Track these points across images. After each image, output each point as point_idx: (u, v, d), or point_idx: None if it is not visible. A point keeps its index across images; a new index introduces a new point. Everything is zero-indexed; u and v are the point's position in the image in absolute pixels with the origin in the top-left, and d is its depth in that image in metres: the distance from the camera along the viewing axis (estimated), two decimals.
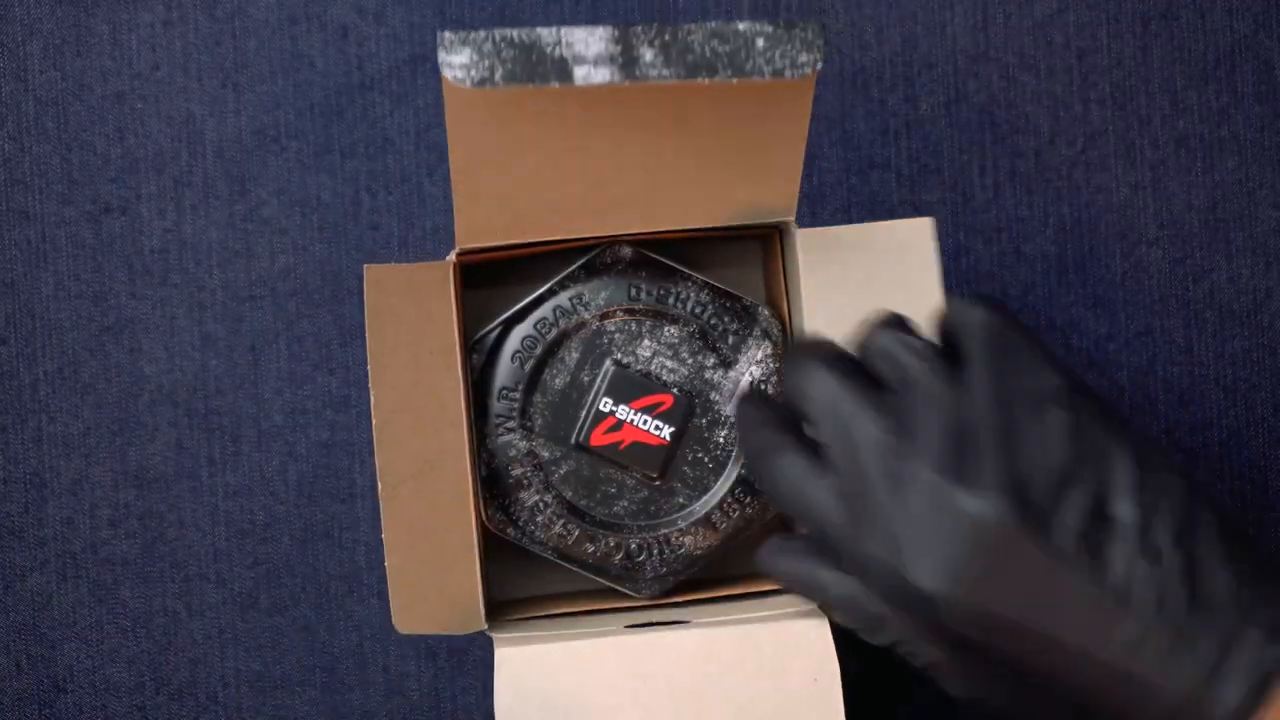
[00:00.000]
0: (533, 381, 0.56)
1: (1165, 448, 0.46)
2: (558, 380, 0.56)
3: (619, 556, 0.56)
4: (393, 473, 0.52)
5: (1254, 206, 0.64)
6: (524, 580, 0.59)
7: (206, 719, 0.62)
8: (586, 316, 0.55)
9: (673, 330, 0.56)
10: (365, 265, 0.52)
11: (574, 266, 0.56)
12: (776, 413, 0.50)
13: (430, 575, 0.52)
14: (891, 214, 0.64)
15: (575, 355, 0.56)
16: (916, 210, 0.64)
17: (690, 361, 0.56)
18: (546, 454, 0.56)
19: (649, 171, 0.50)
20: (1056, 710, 0.45)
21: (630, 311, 0.56)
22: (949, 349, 0.47)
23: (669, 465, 0.56)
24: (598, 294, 0.55)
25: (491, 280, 0.57)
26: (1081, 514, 0.44)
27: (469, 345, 0.56)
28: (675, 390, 0.56)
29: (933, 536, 0.44)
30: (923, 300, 0.52)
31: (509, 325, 0.56)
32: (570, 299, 0.55)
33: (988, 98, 0.64)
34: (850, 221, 0.64)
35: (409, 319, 0.52)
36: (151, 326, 0.62)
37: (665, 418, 0.55)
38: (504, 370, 0.56)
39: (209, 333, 0.63)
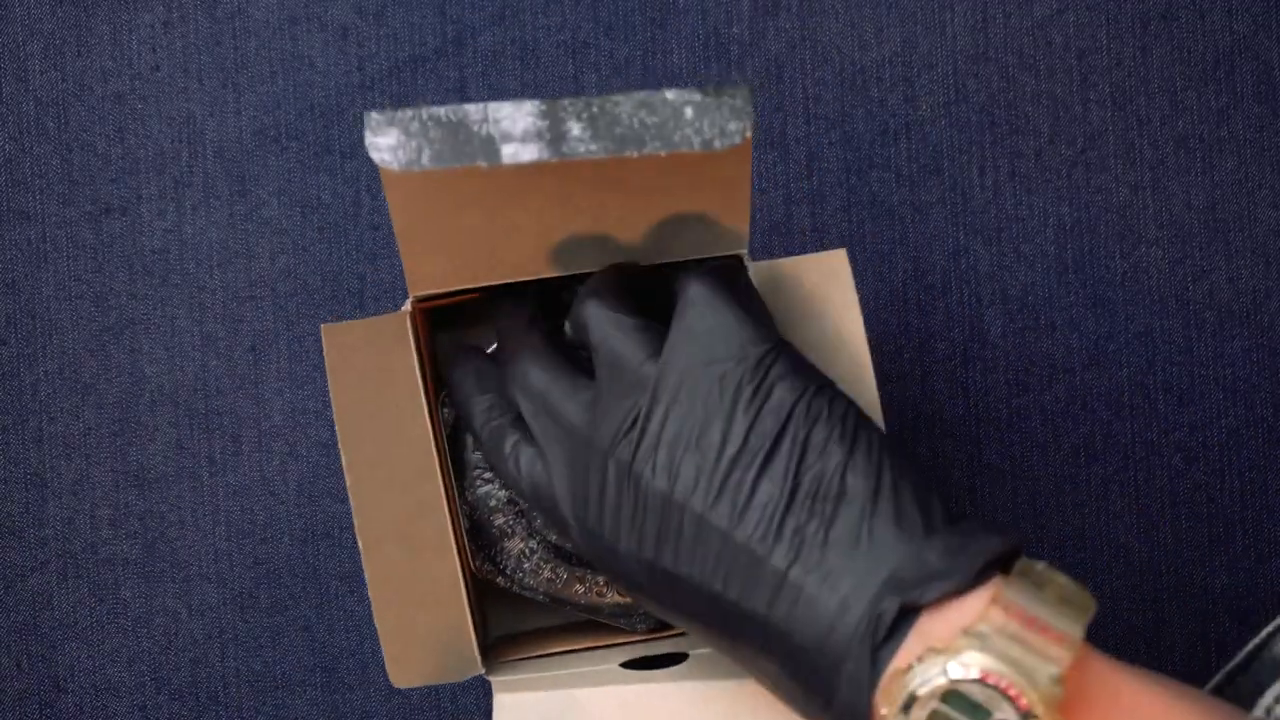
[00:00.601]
0: None
1: (849, 410, 0.47)
2: None
3: (610, 595, 0.56)
4: (373, 530, 0.52)
5: (1253, 207, 0.64)
6: (518, 618, 0.58)
7: (207, 719, 0.62)
8: None
9: None
10: (322, 325, 0.51)
11: None
12: (498, 400, 0.52)
13: (422, 627, 0.52)
14: (891, 214, 0.64)
15: None
16: (916, 210, 0.64)
17: None
18: None
19: (594, 220, 0.50)
20: (732, 655, 0.48)
21: None
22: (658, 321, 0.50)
23: None
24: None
25: (462, 320, 0.56)
26: (743, 481, 0.46)
27: (441, 398, 0.55)
28: None
29: (630, 512, 0.47)
30: (846, 323, 0.52)
31: None
32: None
33: (988, 98, 0.64)
34: (850, 221, 0.64)
35: (372, 374, 0.52)
36: (152, 327, 0.63)
37: None
38: None
39: (209, 333, 0.63)
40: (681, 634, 0.56)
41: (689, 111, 0.45)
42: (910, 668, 0.43)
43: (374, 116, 0.44)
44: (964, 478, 0.64)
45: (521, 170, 0.46)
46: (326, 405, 0.63)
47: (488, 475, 0.55)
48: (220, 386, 0.63)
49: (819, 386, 0.47)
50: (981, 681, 0.42)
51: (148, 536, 0.62)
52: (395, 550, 0.52)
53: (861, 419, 0.47)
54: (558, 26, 0.63)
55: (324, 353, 0.51)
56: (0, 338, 0.62)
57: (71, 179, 0.63)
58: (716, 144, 0.45)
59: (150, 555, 0.62)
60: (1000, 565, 0.45)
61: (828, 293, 0.52)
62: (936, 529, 0.45)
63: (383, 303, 0.63)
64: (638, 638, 0.56)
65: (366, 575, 0.52)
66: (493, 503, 0.55)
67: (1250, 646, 0.50)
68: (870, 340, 0.62)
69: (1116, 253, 0.64)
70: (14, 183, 0.63)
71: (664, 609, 0.48)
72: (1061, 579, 0.44)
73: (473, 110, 0.44)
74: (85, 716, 0.62)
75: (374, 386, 0.52)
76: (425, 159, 0.44)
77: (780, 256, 0.63)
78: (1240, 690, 0.48)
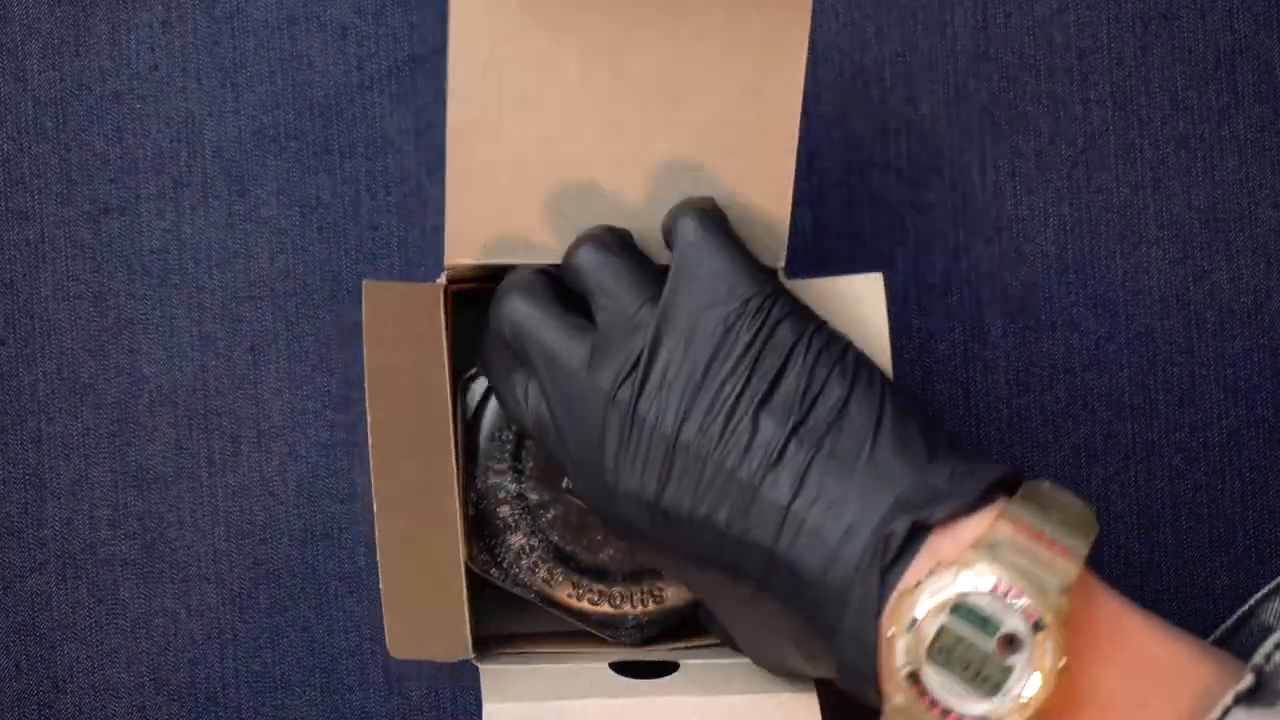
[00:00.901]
0: None
1: (849, 348, 0.48)
2: None
3: (603, 604, 0.56)
4: (388, 494, 0.51)
5: (1254, 207, 0.64)
6: (507, 621, 0.58)
7: (206, 719, 0.62)
8: None
9: None
10: (364, 281, 0.51)
11: None
12: (499, 344, 0.52)
13: (422, 601, 0.52)
14: (891, 214, 0.64)
15: None
16: (916, 210, 0.64)
17: None
18: (536, 497, 0.55)
19: (640, 164, 0.50)
20: (729, 596, 0.48)
21: None
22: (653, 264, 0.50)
23: None
24: None
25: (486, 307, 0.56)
26: (745, 419, 0.46)
27: (463, 381, 0.55)
28: None
29: (632, 454, 0.47)
30: (873, 348, 0.52)
31: None
32: None
33: (988, 97, 0.64)
34: (850, 221, 0.64)
35: (404, 338, 0.52)
36: (151, 327, 0.62)
37: None
38: (499, 410, 0.55)
39: (208, 333, 0.62)
40: (670, 648, 0.56)
41: None
42: (918, 584, 0.43)
43: None
44: None
45: (585, 81, 0.47)
46: (326, 405, 0.63)
47: (499, 466, 0.55)
48: (219, 387, 0.62)
49: (818, 326, 0.48)
50: (991, 593, 0.42)
51: (146, 537, 0.62)
52: (406, 521, 0.52)
53: (861, 356, 0.47)
54: None
55: (363, 307, 0.51)
56: None
57: (70, 178, 0.62)
58: None
59: (149, 556, 0.62)
60: (1004, 490, 0.45)
61: (860, 315, 0.52)
62: (940, 455, 0.45)
63: None
64: (624, 648, 0.56)
65: (378, 538, 0.51)
66: (501, 494, 0.55)
67: (1237, 615, 0.50)
68: None
69: (1117, 253, 0.64)
70: (12, 182, 0.62)
71: (661, 554, 0.48)
72: (1067, 499, 0.45)
73: None
74: (84, 717, 0.62)
75: (404, 351, 0.52)
76: None
77: (780, 257, 0.63)
78: None
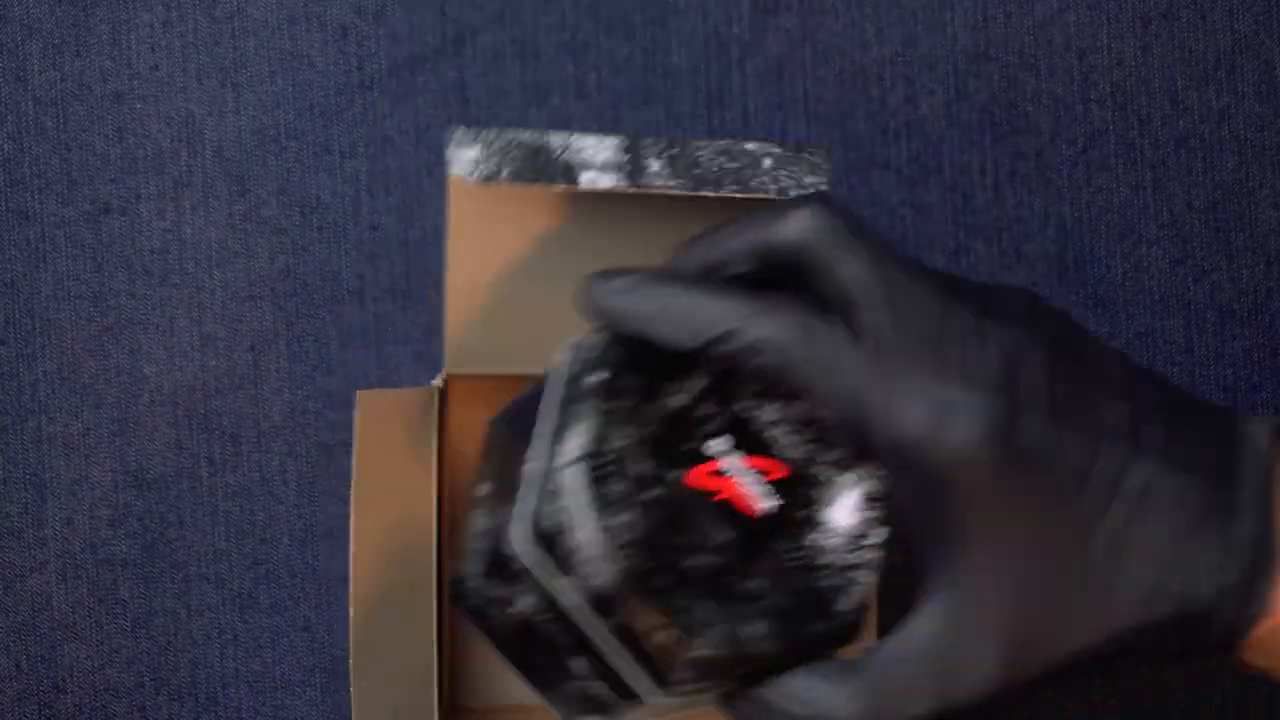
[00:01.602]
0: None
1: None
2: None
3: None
4: (364, 597, 0.51)
5: (1254, 207, 0.64)
6: (485, 690, 0.57)
7: (206, 719, 0.62)
8: None
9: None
10: (358, 392, 0.51)
11: None
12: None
13: (391, 707, 0.51)
14: (891, 214, 0.64)
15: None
16: (916, 210, 0.64)
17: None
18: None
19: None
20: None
21: None
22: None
23: None
24: None
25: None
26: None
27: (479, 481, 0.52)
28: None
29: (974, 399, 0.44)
30: None
31: None
32: None
33: (988, 97, 0.64)
34: None
35: (395, 444, 0.52)
36: (151, 327, 0.62)
37: None
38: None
39: (208, 333, 0.63)
40: None
41: (767, 162, 0.48)
42: None
43: (459, 132, 0.48)
44: None
45: (592, 225, 0.50)
46: (326, 405, 0.63)
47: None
48: (219, 386, 0.63)
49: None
50: None
51: (147, 537, 0.62)
52: (381, 623, 0.51)
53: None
54: (558, 26, 0.63)
55: (356, 418, 0.51)
56: None
57: (70, 178, 0.63)
58: (792, 194, 0.47)
59: (149, 556, 0.62)
60: None
61: None
62: None
63: (382, 303, 0.63)
64: None
65: (351, 642, 0.51)
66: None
67: None
68: None
69: (1117, 253, 0.64)
70: (13, 182, 0.63)
71: (1004, 518, 0.45)
72: None
73: (555, 139, 0.48)
74: (84, 717, 0.62)
75: (396, 457, 0.52)
76: (505, 174, 0.48)
77: None
78: None
